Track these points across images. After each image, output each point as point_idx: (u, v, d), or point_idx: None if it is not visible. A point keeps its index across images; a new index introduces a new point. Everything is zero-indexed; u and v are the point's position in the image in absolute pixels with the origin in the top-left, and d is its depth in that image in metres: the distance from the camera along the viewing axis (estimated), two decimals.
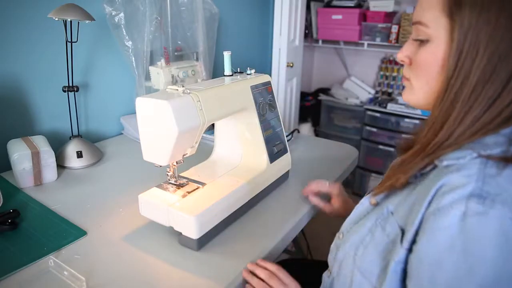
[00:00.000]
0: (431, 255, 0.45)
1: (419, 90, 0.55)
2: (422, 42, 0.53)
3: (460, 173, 0.46)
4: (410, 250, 0.49)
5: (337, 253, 0.62)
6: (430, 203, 0.47)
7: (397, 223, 0.52)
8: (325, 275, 0.68)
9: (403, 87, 0.60)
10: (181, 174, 0.84)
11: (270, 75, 0.96)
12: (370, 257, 0.54)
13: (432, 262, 0.45)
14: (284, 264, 0.95)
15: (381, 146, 2.54)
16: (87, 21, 1.00)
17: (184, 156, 0.76)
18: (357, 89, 2.83)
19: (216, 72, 1.60)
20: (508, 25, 0.45)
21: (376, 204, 0.60)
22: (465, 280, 0.43)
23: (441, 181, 0.47)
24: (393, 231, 0.52)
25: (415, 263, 0.47)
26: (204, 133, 0.82)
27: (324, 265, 0.70)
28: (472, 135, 0.49)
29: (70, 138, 1.11)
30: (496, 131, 0.49)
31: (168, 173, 0.79)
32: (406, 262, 0.49)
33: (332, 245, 0.66)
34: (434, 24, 0.50)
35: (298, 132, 1.36)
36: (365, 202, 0.62)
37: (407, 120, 2.40)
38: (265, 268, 0.67)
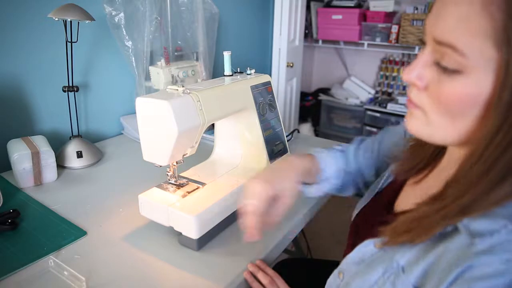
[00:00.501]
0: None
1: (439, 128, 0.45)
2: (447, 70, 0.41)
3: (495, 256, 0.37)
4: None
5: None
6: (451, 284, 0.39)
7: (412, 284, 0.44)
8: None
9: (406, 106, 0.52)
10: (181, 174, 0.84)
11: (270, 75, 0.96)
12: None
13: None
14: (284, 263, 0.96)
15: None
16: (87, 21, 1.00)
17: (184, 156, 0.76)
18: (357, 89, 2.83)
19: (216, 72, 1.60)
20: None
21: (381, 248, 0.53)
22: None
23: (469, 261, 0.38)
24: None
25: None
26: (204, 133, 0.82)
27: (324, 264, 0.70)
28: (503, 199, 0.40)
29: (70, 138, 1.11)
30: None
31: (168, 173, 0.79)
32: None
33: (331, 281, 0.59)
34: (476, 55, 0.38)
35: (298, 132, 1.36)
36: (368, 244, 0.54)
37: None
38: (266, 273, 0.67)
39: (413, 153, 0.59)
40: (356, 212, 0.69)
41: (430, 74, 0.43)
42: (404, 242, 0.47)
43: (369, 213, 0.66)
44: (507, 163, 0.39)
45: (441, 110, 0.43)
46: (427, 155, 0.57)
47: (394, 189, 0.62)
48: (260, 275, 0.66)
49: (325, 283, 0.61)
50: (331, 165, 0.73)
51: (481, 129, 0.41)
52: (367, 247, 0.54)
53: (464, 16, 0.37)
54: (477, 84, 0.39)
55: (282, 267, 0.92)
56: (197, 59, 1.46)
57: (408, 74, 0.44)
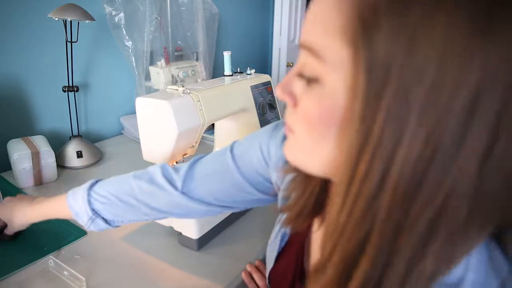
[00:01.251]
0: None
1: (310, 154, 0.33)
2: (308, 79, 0.31)
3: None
4: None
5: None
6: None
7: None
8: None
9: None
10: None
11: (270, 75, 0.96)
12: None
13: None
14: None
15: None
16: (87, 21, 1.00)
17: (184, 156, 0.76)
18: None
19: (216, 72, 1.60)
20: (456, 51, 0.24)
21: None
22: None
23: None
24: None
25: None
26: (204, 133, 0.82)
27: None
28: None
29: (70, 138, 1.11)
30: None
31: None
32: None
33: None
34: (331, 56, 0.29)
35: None
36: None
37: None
38: (262, 274, 0.67)
39: (298, 189, 0.42)
40: (267, 275, 0.53)
41: (299, 87, 0.33)
42: None
43: (281, 282, 0.50)
44: (385, 211, 0.27)
45: (305, 130, 0.33)
46: (315, 189, 0.40)
47: (299, 240, 0.46)
48: (256, 277, 0.66)
49: None
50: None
51: (340, 156, 0.30)
52: None
53: (319, 13, 0.30)
54: (332, 95, 0.29)
55: None
56: (197, 59, 1.46)
57: (278, 90, 0.34)
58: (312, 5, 0.31)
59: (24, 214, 0.66)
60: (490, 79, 0.24)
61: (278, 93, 0.35)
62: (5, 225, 0.68)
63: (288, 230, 0.48)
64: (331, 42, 0.29)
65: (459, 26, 0.23)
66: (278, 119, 0.95)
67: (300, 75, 0.32)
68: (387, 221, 0.27)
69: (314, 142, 0.32)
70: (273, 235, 0.52)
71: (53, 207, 0.64)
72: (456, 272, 0.29)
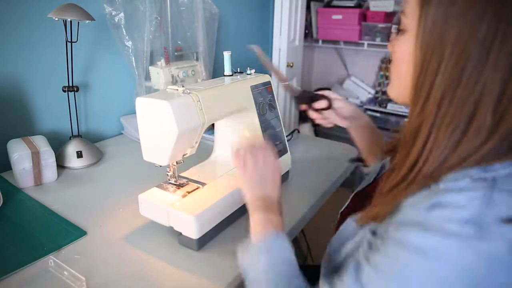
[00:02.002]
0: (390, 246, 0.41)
1: (394, 84, 0.51)
2: (401, 32, 0.47)
3: (461, 194, 0.38)
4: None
5: (327, 274, 0.55)
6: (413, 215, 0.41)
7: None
8: None
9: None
10: (181, 174, 0.84)
11: (270, 75, 0.96)
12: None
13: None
14: None
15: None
16: (87, 21, 1.00)
17: (184, 156, 0.76)
18: (357, 89, 2.83)
19: (216, 72, 1.60)
20: (477, 23, 0.38)
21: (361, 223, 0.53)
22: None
23: (435, 199, 0.39)
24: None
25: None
26: (204, 133, 0.82)
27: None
28: (456, 166, 0.41)
29: (70, 138, 1.11)
30: (484, 165, 0.40)
31: (168, 173, 0.79)
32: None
33: (322, 268, 0.59)
34: (410, 14, 0.45)
35: (298, 132, 1.36)
36: (350, 223, 0.54)
37: (407, 120, 2.41)
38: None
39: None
40: (346, 203, 0.69)
41: (396, 38, 0.49)
42: (372, 217, 0.47)
43: (356, 202, 0.65)
44: (432, 114, 0.42)
45: (393, 69, 0.50)
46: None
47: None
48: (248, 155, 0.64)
49: None
50: None
51: (412, 88, 0.45)
52: (349, 226, 0.54)
53: None
54: (409, 41, 0.45)
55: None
56: (197, 59, 1.46)
57: (389, 45, 0.52)
58: None
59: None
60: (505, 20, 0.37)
61: (388, 46, 0.52)
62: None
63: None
64: (413, 3, 0.44)
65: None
66: (278, 119, 0.95)
67: (399, 30, 0.48)
68: (436, 119, 0.42)
69: (395, 76, 0.49)
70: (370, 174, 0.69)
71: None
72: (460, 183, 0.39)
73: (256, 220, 0.59)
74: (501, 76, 0.38)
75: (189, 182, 0.80)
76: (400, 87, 0.49)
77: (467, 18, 0.39)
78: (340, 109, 0.85)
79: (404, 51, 0.46)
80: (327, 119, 0.87)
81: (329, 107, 0.84)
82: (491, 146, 0.39)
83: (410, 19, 0.45)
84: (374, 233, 0.47)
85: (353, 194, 0.70)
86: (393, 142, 0.60)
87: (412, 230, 0.39)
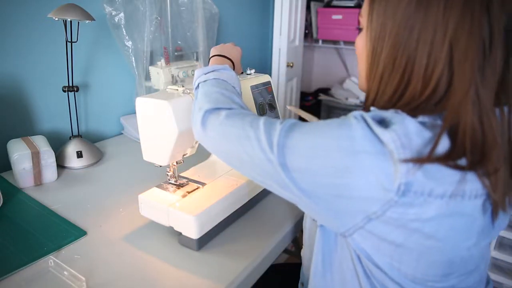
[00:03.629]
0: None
1: (359, 76, 0.60)
2: (360, 30, 0.58)
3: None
4: None
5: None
6: None
7: None
8: None
9: None
10: (181, 174, 0.84)
11: (270, 75, 0.96)
12: None
13: None
14: (279, 269, 0.95)
15: None
16: (87, 21, 1.00)
17: (184, 156, 0.76)
18: (357, 89, 2.83)
19: None
20: (405, 13, 0.48)
21: None
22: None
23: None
24: None
25: None
26: None
27: None
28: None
29: (70, 138, 1.11)
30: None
31: (168, 173, 0.79)
32: None
33: None
34: (364, 14, 0.55)
35: None
36: None
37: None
38: None
39: None
40: None
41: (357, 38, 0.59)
42: None
43: None
44: (373, 93, 0.53)
45: (358, 58, 0.59)
46: None
47: None
48: None
49: None
50: None
51: (367, 71, 0.55)
52: None
53: None
54: (364, 37, 0.55)
55: (276, 273, 0.92)
56: (197, 59, 1.46)
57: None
58: None
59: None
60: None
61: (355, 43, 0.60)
62: None
63: None
64: (365, 5, 0.54)
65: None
66: (278, 119, 0.95)
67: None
68: (378, 89, 0.53)
69: (359, 68, 0.59)
70: None
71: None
72: None
73: (213, 59, 0.79)
74: (426, 51, 0.47)
75: (189, 182, 0.80)
76: (361, 76, 0.58)
77: (398, 8, 0.48)
78: None
79: (362, 46, 0.56)
80: None
81: None
82: (416, 104, 0.48)
83: (364, 18, 0.54)
84: None
85: None
86: None
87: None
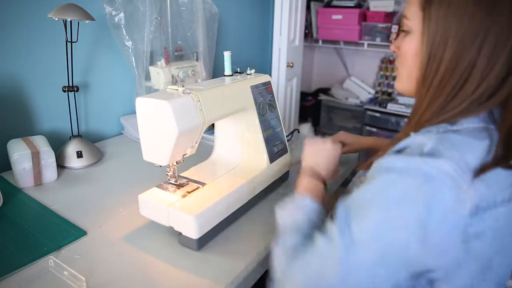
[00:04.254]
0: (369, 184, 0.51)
1: (403, 78, 0.60)
2: (406, 33, 0.58)
3: (420, 135, 0.51)
4: None
5: None
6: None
7: None
8: None
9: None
10: (181, 174, 0.84)
11: (270, 75, 0.96)
12: None
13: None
14: None
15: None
16: (87, 21, 1.00)
17: (184, 156, 0.76)
18: (357, 89, 2.83)
19: (216, 72, 1.60)
20: (471, 18, 0.49)
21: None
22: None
23: (406, 140, 0.52)
24: None
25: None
26: (204, 133, 0.82)
27: None
28: (438, 121, 0.53)
29: (70, 138, 1.11)
30: (456, 119, 0.52)
31: (168, 173, 0.79)
32: None
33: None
34: (413, 17, 0.55)
35: (298, 132, 1.36)
36: (356, 181, 0.66)
37: (407, 120, 2.41)
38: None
39: None
40: None
41: (400, 39, 0.60)
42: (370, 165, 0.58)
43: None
44: (433, 90, 0.53)
45: (401, 63, 0.59)
46: None
47: None
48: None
49: None
50: None
51: (420, 76, 0.56)
52: (354, 183, 0.69)
53: None
54: (415, 39, 0.55)
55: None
56: (197, 59, 1.46)
57: (392, 45, 0.63)
58: None
59: None
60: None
61: (391, 47, 0.62)
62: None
63: None
64: (414, 7, 0.55)
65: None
66: (278, 119, 0.95)
67: (402, 31, 0.59)
68: (436, 90, 0.53)
69: (404, 70, 0.59)
70: None
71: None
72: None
73: (302, 182, 0.74)
74: (488, 54, 0.49)
75: (189, 182, 0.80)
76: (409, 80, 0.59)
77: (464, 14, 0.49)
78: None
79: (412, 48, 0.56)
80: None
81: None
82: (467, 104, 0.51)
83: (414, 21, 0.55)
84: None
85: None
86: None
87: (383, 169, 0.51)
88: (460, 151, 0.47)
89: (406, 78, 0.59)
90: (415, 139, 0.51)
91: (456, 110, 0.51)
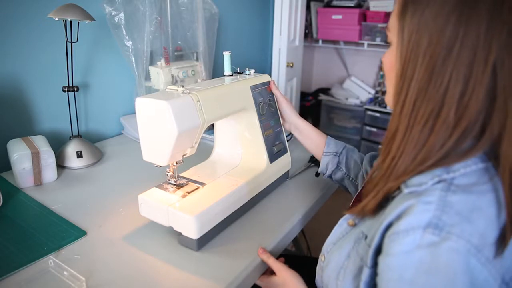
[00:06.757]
0: (386, 280, 0.44)
1: (388, 92, 0.56)
2: (389, 45, 0.53)
3: (420, 198, 0.43)
4: (375, 270, 0.47)
5: (322, 275, 0.61)
6: (389, 225, 0.45)
7: (367, 245, 0.51)
8: None
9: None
10: (181, 174, 0.84)
11: (270, 75, 0.96)
12: (348, 281, 0.53)
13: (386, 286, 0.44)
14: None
15: (381, 146, 2.54)
16: (87, 21, 1.00)
17: (184, 156, 0.76)
18: (357, 89, 2.83)
19: (216, 72, 1.60)
20: (443, 28, 0.43)
21: (354, 225, 0.58)
22: None
23: (403, 205, 0.44)
24: (364, 254, 0.51)
25: (379, 284, 0.46)
26: (204, 133, 0.82)
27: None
28: (425, 162, 0.46)
29: (70, 138, 1.11)
30: (448, 164, 0.44)
31: (168, 173, 0.79)
32: (374, 282, 0.48)
33: (318, 267, 0.64)
34: (392, 28, 0.51)
35: None
36: (343, 223, 0.60)
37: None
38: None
39: None
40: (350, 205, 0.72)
41: (386, 52, 0.55)
42: (359, 212, 0.54)
43: (357, 203, 0.68)
44: (406, 116, 0.47)
45: (385, 78, 0.55)
46: None
47: None
48: (271, 261, 0.70)
49: None
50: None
51: (394, 93, 0.51)
52: (341, 226, 0.60)
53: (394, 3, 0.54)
54: (393, 53, 0.50)
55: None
56: (197, 59, 1.46)
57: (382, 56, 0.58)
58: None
59: None
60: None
61: (381, 58, 0.56)
62: None
63: None
64: (393, 19, 0.50)
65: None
66: (278, 119, 0.95)
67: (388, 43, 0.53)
68: (411, 117, 0.47)
69: (387, 84, 0.55)
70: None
71: None
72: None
73: None
74: (463, 74, 0.43)
75: (189, 182, 0.80)
76: (390, 93, 0.54)
77: (435, 25, 0.43)
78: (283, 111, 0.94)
79: (390, 61, 0.52)
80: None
81: None
82: (454, 139, 0.44)
83: (393, 33, 0.51)
84: (366, 237, 0.52)
85: (355, 195, 0.72)
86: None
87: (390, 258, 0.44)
88: (470, 220, 0.40)
89: (389, 93, 0.55)
90: (413, 214, 0.43)
91: (444, 149, 0.44)
